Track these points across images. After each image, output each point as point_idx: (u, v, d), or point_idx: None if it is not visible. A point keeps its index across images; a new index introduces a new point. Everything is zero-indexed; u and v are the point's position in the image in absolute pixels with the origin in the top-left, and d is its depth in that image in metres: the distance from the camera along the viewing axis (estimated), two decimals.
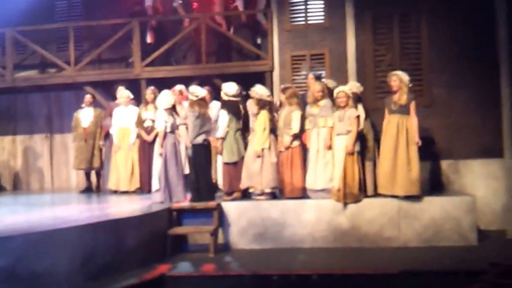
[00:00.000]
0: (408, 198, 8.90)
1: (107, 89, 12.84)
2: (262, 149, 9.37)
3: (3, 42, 13.42)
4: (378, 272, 7.54)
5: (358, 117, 9.08)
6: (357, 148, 9.05)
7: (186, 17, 12.90)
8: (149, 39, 12.91)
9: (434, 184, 10.13)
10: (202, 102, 9.58)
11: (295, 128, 9.40)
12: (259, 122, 9.45)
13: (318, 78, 10.53)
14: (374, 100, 10.37)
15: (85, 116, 12.02)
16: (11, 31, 13.17)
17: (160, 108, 9.65)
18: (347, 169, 8.95)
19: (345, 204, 8.98)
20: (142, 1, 13.07)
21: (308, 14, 11.48)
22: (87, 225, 7.26)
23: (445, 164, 10.29)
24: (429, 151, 9.92)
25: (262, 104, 9.52)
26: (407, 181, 8.85)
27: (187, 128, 10.00)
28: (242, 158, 9.54)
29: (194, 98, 9.52)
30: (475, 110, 10.21)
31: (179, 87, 11.16)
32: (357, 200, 8.99)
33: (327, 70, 11.32)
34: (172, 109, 9.72)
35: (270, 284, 7.60)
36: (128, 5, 13.22)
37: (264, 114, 9.44)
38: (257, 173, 9.36)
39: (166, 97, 9.67)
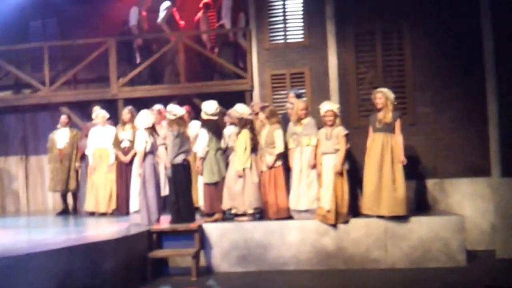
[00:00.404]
0: (394, 218, 8.57)
1: (83, 110, 12.44)
2: (244, 169, 9.02)
3: None
4: None
5: (346, 135, 8.78)
6: (346, 166, 8.74)
7: (161, 36, 12.57)
8: (138, 59, 12.54)
9: (419, 203, 9.80)
10: (180, 121, 9.21)
11: (280, 147, 9.05)
12: (240, 141, 9.11)
13: (299, 96, 10.32)
14: (357, 118, 10.09)
15: (61, 137, 11.61)
16: None
17: (140, 128, 9.25)
18: (336, 189, 8.63)
19: (335, 225, 8.63)
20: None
21: (288, 33, 11.18)
22: (63, 248, 6.82)
23: (430, 183, 9.98)
24: (414, 170, 9.62)
25: (243, 123, 9.19)
26: (393, 201, 8.54)
27: (166, 148, 9.65)
28: (223, 178, 9.17)
29: (172, 117, 9.16)
30: (461, 128, 9.94)
31: (158, 106, 10.83)
32: (346, 220, 8.66)
33: (308, 89, 11.05)
34: (152, 129, 9.33)
35: None
36: (116, 26, 12.86)
37: (245, 133, 9.11)
38: (239, 193, 9.00)
39: (146, 116, 9.28)
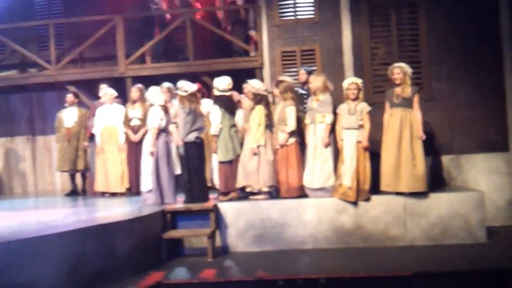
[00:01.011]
0: (413, 195, 8.08)
1: (91, 88, 11.89)
2: (258, 146, 8.46)
3: None
4: (390, 274, 6.69)
5: (370, 111, 8.24)
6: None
7: (168, 12, 11.96)
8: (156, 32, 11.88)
9: (435, 180, 9.27)
10: (192, 98, 8.59)
11: (291, 125, 8.44)
12: (254, 117, 8.53)
13: (310, 73, 9.80)
14: (371, 94, 9.48)
15: (69, 116, 11.01)
16: None
17: (154, 104, 8.67)
18: (359, 165, 8.10)
19: (356, 202, 8.11)
20: None
21: (298, 9, 10.61)
22: (74, 230, 6.29)
23: (446, 159, 9.47)
24: (430, 146, 9.04)
25: (258, 98, 8.60)
26: (412, 177, 8.03)
27: (177, 127, 9.09)
28: (238, 156, 8.61)
29: (184, 94, 8.54)
30: (477, 103, 9.42)
31: (167, 84, 10.27)
32: (367, 197, 8.14)
33: (318, 66, 10.53)
34: (164, 107, 8.76)
35: None
36: (122, 2, 12.24)
37: (260, 109, 8.52)
38: (253, 171, 8.44)
39: (158, 93, 8.72)
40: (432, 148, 9.33)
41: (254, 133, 8.47)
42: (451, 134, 9.45)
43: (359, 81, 8.39)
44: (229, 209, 8.30)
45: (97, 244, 6.48)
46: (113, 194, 10.32)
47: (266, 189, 8.47)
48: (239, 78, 9.94)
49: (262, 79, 10.87)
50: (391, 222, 8.08)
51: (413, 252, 7.69)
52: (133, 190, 10.16)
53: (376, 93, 9.35)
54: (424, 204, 8.07)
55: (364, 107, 8.23)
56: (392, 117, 8.21)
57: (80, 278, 6.16)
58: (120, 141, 10.37)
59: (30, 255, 5.65)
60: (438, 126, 9.42)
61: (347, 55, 9.71)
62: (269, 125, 8.56)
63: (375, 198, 8.19)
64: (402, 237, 8.07)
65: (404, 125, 8.12)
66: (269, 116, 8.54)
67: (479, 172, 9.38)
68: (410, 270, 6.73)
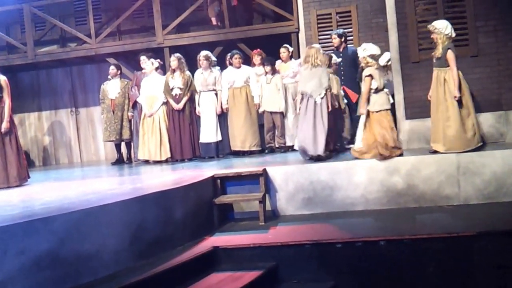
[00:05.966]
0: (466, 153, 7.52)
1: (130, 60, 11.55)
2: None
3: (21, 19, 12.11)
4: (452, 234, 6.18)
5: (370, 76, 7.76)
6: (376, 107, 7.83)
7: None
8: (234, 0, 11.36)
9: (484, 137, 8.67)
10: None
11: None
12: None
13: (341, 36, 9.36)
14: (416, 53, 8.79)
15: (112, 87, 10.65)
16: (28, 6, 11.81)
17: None
18: (369, 128, 7.82)
19: (388, 157, 7.65)
20: None
21: None
22: (135, 198, 5.87)
23: (494, 116, 8.78)
24: (477, 103, 8.45)
25: None
26: (463, 135, 7.57)
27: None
28: None
29: None
30: None
31: (205, 53, 9.90)
32: (399, 153, 7.71)
33: (354, 28, 10.02)
34: None
35: (334, 252, 6.26)
36: None
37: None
38: None
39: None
40: (480, 105, 8.69)
41: None
42: (499, 90, 8.75)
43: (362, 50, 8.00)
44: (277, 173, 7.77)
45: (156, 211, 6.08)
46: (157, 162, 9.97)
47: None
48: (276, 43, 9.60)
49: (298, 43, 10.50)
50: (444, 181, 7.49)
51: (469, 211, 7.12)
52: (176, 157, 9.85)
53: (422, 50, 8.69)
54: (478, 162, 7.47)
55: (365, 71, 7.85)
56: (433, 78, 7.81)
57: (141, 246, 5.77)
58: (153, 109, 9.95)
59: (92, 225, 5.26)
60: (485, 83, 8.71)
61: (391, 14, 8.98)
62: None
63: (427, 157, 7.63)
64: (456, 196, 7.49)
65: (440, 86, 7.67)
66: None
67: None
68: (470, 230, 6.24)
